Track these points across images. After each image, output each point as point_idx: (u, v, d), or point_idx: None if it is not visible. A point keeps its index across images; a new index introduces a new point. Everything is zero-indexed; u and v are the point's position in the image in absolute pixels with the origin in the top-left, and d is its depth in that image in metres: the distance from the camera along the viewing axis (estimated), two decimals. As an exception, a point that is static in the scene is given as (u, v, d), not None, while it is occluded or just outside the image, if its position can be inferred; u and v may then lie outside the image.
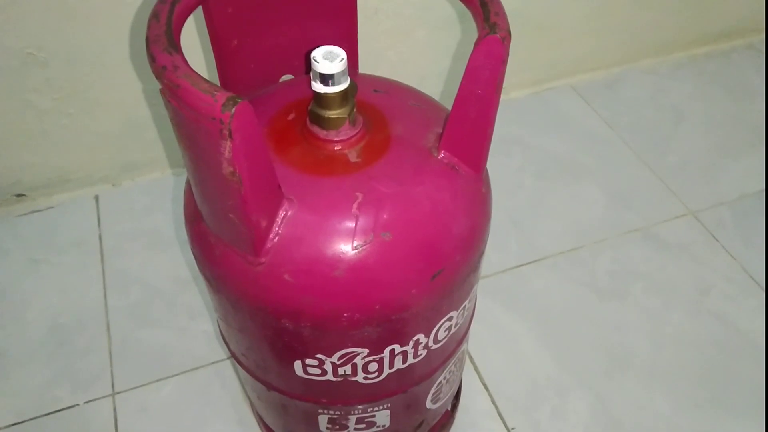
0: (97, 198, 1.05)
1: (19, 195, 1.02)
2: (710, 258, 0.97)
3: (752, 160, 1.12)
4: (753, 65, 1.31)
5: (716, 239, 1.00)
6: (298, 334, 0.48)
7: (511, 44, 0.42)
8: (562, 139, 1.15)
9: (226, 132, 0.35)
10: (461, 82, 0.44)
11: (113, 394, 0.82)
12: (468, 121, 0.46)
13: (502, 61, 0.42)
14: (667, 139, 1.16)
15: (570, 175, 1.10)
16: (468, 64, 0.42)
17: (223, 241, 0.46)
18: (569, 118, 1.20)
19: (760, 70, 1.29)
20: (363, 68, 0.60)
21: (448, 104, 0.48)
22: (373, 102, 0.52)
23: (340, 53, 0.43)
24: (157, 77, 0.37)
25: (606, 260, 0.97)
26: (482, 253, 0.54)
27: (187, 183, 0.51)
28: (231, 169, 0.37)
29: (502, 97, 1.28)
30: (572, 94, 1.24)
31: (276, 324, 0.48)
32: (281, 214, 0.44)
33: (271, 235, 0.44)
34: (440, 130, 0.50)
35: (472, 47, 0.42)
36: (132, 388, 0.82)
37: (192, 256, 0.52)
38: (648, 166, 1.11)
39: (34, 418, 0.80)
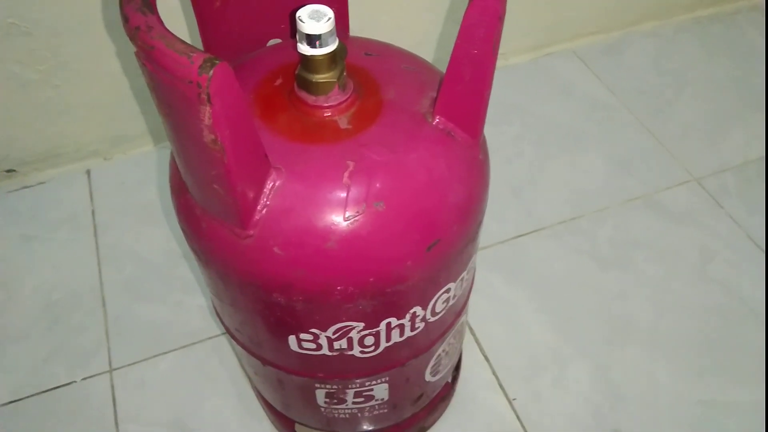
0: (88, 172, 1.03)
1: (9, 171, 1.00)
2: (713, 225, 0.96)
3: (757, 124, 1.09)
4: (758, 28, 1.27)
5: (720, 206, 0.98)
6: (290, 309, 0.47)
7: (509, 7, 0.39)
8: (563, 105, 1.13)
9: (204, 96, 0.33)
10: (456, 42, 0.41)
11: (110, 371, 0.81)
12: (463, 84, 0.44)
13: (498, 17, 0.39)
14: (670, 105, 1.13)
15: (570, 142, 1.07)
16: (462, 21, 0.40)
17: (210, 214, 0.45)
18: (570, 83, 1.17)
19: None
20: (355, 33, 0.58)
21: (445, 69, 0.45)
22: (365, 65, 0.49)
23: (328, 12, 0.41)
24: (130, 39, 0.35)
25: (607, 229, 0.95)
26: (480, 222, 0.53)
27: (172, 153, 0.49)
28: (212, 136, 0.35)
29: (501, 63, 1.25)
30: (573, 58, 1.21)
31: (267, 298, 0.46)
32: (269, 184, 0.42)
33: (259, 207, 0.42)
34: (435, 95, 0.48)
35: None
36: (129, 364, 0.82)
37: (181, 230, 0.51)
38: (650, 132, 1.08)
39: (32, 395, 0.79)
